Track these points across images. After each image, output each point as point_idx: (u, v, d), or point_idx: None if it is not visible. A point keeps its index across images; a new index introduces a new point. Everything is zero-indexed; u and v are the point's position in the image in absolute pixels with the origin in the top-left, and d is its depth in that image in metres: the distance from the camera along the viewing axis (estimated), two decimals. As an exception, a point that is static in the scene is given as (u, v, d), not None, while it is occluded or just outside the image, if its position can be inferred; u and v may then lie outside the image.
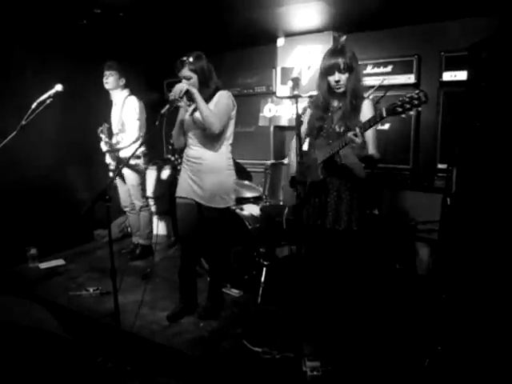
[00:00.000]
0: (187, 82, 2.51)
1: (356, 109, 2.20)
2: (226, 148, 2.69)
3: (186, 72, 2.52)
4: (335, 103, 2.30)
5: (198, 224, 2.74)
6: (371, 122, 1.95)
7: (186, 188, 2.70)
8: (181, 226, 2.79)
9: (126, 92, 3.81)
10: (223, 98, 2.59)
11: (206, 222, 2.71)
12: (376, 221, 3.47)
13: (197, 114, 2.55)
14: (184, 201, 2.72)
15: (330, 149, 2.15)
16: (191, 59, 2.51)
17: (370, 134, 2.14)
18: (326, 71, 2.19)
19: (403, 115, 1.83)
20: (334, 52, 2.18)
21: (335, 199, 2.25)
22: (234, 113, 2.67)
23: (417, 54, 3.60)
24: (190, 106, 2.61)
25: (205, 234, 2.74)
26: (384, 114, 1.87)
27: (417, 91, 1.79)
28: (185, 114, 2.64)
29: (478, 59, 2.65)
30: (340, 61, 2.13)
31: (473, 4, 3.10)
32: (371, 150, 2.18)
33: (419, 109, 1.81)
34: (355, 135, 1.97)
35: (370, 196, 3.51)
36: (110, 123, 3.84)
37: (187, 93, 2.45)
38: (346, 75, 2.16)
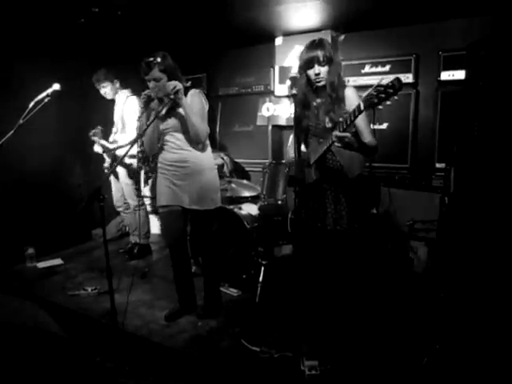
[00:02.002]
0: (157, 83, 2.38)
1: (339, 100, 2.14)
2: (207, 147, 2.62)
3: (155, 73, 2.37)
4: (317, 98, 2.24)
5: (186, 229, 2.69)
6: (351, 117, 1.89)
7: (168, 195, 2.58)
8: (168, 236, 2.74)
9: (126, 92, 3.81)
10: (196, 98, 2.47)
11: (196, 226, 2.67)
12: (374, 220, 3.48)
13: (170, 120, 2.46)
14: (168, 209, 2.60)
15: (320, 149, 2.12)
16: (159, 59, 2.36)
17: (361, 123, 2.10)
18: (305, 65, 2.14)
19: (380, 106, 1.76)
20: (313, 45, 2.13)
21: (333, 200, 2.23)
22: (206, 111, 2.54)
23: (415, 54, 3.60)
24: (162, 107, 2.43)
25: (197, 237, 2.71)
26: (362, 107, 1.81)
27: (391, 79, 1.70)
28: (156, 118, 2.44)
29: (476, 58, 2.65)
30: (319, 53, 2.09)
31: (470, 3, 3.10)
32: (366, 137, 2.12)
33: (395, 97, 1.72)
34: (338, 137, 1.94)
35: (369, 195, 3.52)
36: (112, 122, 3.86)
37: (177, 93, 2.31)
38: (326, 68, 2.12)
